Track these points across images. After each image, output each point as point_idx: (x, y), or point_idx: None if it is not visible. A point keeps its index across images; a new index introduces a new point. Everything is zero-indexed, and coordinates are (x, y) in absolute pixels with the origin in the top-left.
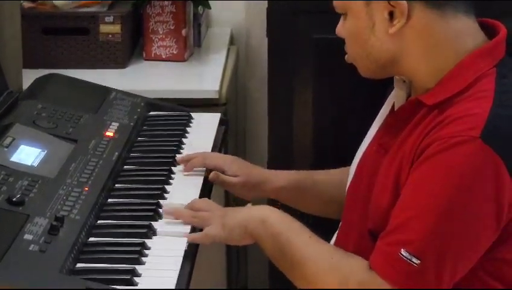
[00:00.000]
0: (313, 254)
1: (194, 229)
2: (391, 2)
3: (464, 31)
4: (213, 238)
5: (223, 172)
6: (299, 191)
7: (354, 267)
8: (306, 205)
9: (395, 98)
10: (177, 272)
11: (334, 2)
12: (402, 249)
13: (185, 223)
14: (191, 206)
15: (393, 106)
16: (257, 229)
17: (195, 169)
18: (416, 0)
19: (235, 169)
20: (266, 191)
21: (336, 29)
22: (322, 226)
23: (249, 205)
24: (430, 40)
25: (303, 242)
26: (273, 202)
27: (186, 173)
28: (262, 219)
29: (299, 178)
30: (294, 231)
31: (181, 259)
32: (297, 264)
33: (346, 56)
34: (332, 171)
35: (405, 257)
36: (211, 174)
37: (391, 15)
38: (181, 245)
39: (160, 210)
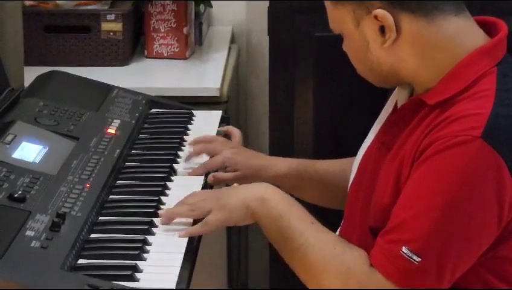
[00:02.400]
0: (315, 241)
1: (195, 222)
2: (378, 17)
3: (459, 32)
4: (215, 225)
5: (225, 167)
6: (299, 179)
7: (357, 260)
8: (306, 193)
9: (397, 96)
10: (179, 268)
11: (330, 25)
12: (403, 247)
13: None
14: (184, 203)
15: (396, 104)
16: (257, 209)
17: (196, 163)
18: (402, 12)
19: (235, 164)
20: (266, 178)
21: (343, 47)
22: (324, 222)
23: (235, 185)
24: (423, 47)
25: (305, 228)
26: None
27: (187, 169)
28: (262, 197)
29: (300, 166)
30: (296, 214)
31: (182, 255)
32: (298, 250)
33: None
34: (334, 160)
35: (406, 255)
36: (209, 178)
37: (382, 30)
38: (183, 241)
39: (162, 207)
